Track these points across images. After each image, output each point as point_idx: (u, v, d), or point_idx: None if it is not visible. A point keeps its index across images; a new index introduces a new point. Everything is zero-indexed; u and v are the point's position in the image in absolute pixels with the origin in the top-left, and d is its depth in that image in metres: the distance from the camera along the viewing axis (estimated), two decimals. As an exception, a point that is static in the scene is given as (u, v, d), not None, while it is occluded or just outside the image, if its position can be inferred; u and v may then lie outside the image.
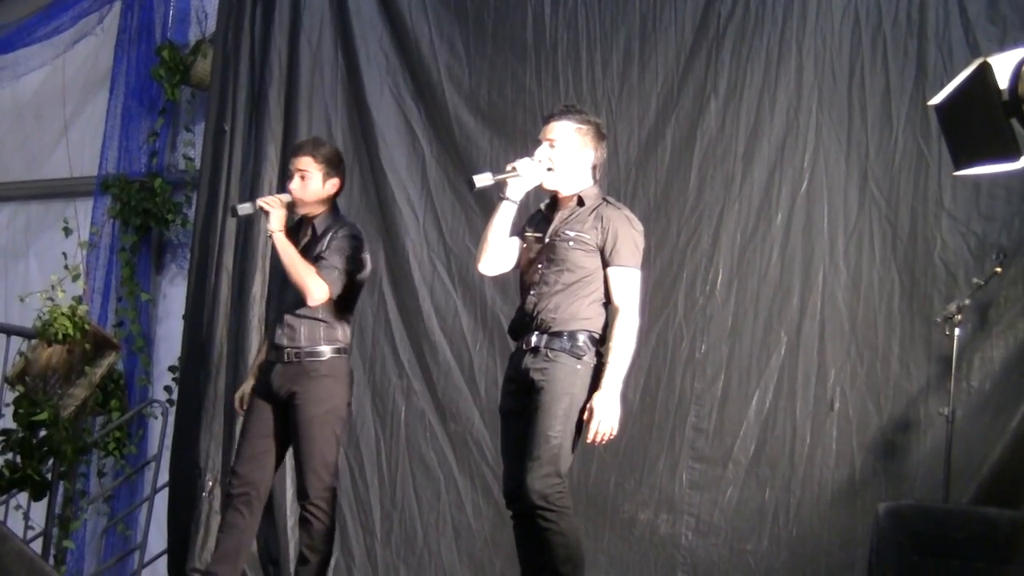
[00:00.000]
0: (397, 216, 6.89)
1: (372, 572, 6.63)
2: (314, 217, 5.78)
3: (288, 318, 5.72)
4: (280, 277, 5.80)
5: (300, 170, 5.76)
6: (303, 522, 5.69)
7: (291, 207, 5.76)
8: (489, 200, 6.03)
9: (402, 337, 6.80)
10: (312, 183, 5.76)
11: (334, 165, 5.82)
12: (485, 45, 6.80)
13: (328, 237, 5.72)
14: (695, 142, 6.25)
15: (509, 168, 5.11)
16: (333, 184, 5.81)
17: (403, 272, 6.83)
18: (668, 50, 6.36)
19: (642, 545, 6.09)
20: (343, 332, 5.76)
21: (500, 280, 6.27)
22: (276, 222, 5.68)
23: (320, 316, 5.69)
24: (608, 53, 6.48)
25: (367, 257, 5.83)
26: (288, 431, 5.69)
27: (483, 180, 5.13)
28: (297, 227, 5.86)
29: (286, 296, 5.75)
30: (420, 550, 6.58)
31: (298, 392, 5.65)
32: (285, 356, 5.70)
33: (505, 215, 5.14)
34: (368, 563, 6.65)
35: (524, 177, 5.10)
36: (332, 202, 5.83)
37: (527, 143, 6.43)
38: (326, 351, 5.69)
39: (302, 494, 5.67)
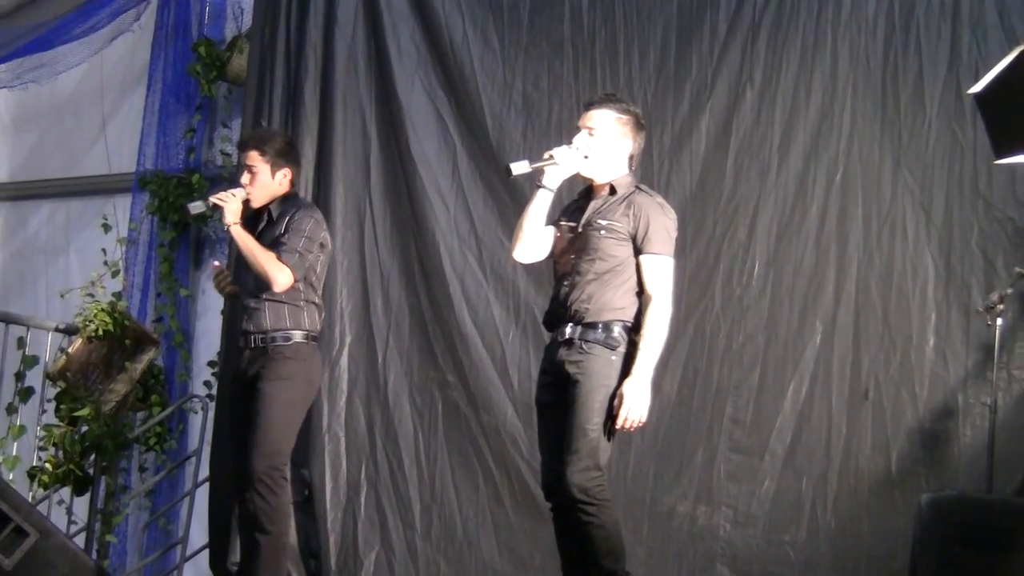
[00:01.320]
0: (428, 208, 6.87)
1: (413, 566, 6.63)
2: (268, 205, 5.81)
3: (251, 303, 5.74)
4: (242, 264, 5.82)
5: (247, 165, 5.80)
6: (247, 504, 5.65)
7: (246, 202, 5.79)
8: (521, 191, 6.06)
9: (435, 329, 6.79)
10: (261, 177, 5.80)
11: (283, 156, 5.84)
12: (520, 37, 6.78)
13: (286, 220, 5.73)
14: (731, 132, 6.22)
15: (546, 156, 5.12)
16: (284, 175, 5.84)
17: (433, 264, 6.82)
18: (703, 41, 6.33)
19: (680, 537, 6.08)
20: (310, 317, 5.76)
21: (533, 271, 6.29)
22: (231, 215, 5.71)
23: (284, 299, 5.69)
24: (645, 44, 6.45)
25: (327, 236, 5.85)
26: None
27: (520, 168, 5.13)
28: (255, 216, 5.86)
29: (248, 282, 5.78)
30: (460, 543, 6.57)
31: (259, 373, 5.66)
32: (251, 341, 5.72)
33: (541, 203, 5.14)
34: (408, 557, 6.64)
35: (561, 165, 5.10)
36: (289, 187, 5.86)
37: (562, 135, 6.41)
38: (292, 335, 5.69)
39: (246, 474, 5.61)
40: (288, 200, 5.86)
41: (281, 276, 5.61)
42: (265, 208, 5.83)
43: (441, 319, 6.78)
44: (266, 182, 5.80)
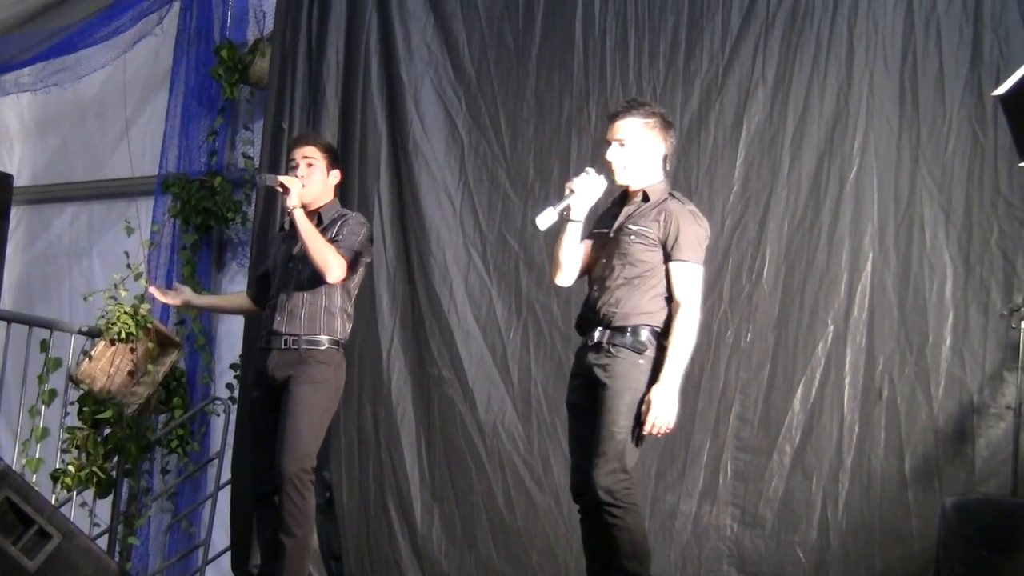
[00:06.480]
0: (432, 205, 6.86)
1: (417, 566, 6.61)
2: (319, 208, 5.83)
3: (289, 304, 5.74)
4: (281, 262, 5.85)
5: (307, 158, 5.83)
6: (275, 507, 5.63)
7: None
8: (529, 188, 6.04)
9: (432, 326, 6.77)
10: (318, 172, 5.83)
11: (335, 157, 5.94)
12: (533, 34, 6.76)
13: (338, 224, 5.76)
14: (741, 129, 6.19)
15: (567, 192, 5.11)
16: (335, 175, 5.90)
17: (436, 261, 6.81)
18: (715, 36, 6.30)
19: (684, 536, 6.03)
20: (342, 325, 5.76)
21: (535, 268, 6.35)
22: (296, 198, 5.70)
23: (323, 304, 5.71)
24: (656, 40, 6.43)
25: (371, 250, 5.90)
26: None
27: (547, 218, 5.09)
28: None
29: (288, 281, 5.78)
30: (460, 543, 6.54)
31: (292, 375, 5.66)
32: (282, 343, 5.72)
33: (574, 234, 5.15)
34: (413, 557, 6.62)
35: (582, 195, 5.10)
36: (335, 194, 5.90)
37: (571, 130, 6.42)
38: (323, 340, 5.70)
39: (275, 475, 5.59)
40: (339, 208, 5.90)
41: (338, 267, 5.60)
42: (315, 212, 5.83)
43: (440, 316, 6.75)
44: (322, 178, 5.84)
